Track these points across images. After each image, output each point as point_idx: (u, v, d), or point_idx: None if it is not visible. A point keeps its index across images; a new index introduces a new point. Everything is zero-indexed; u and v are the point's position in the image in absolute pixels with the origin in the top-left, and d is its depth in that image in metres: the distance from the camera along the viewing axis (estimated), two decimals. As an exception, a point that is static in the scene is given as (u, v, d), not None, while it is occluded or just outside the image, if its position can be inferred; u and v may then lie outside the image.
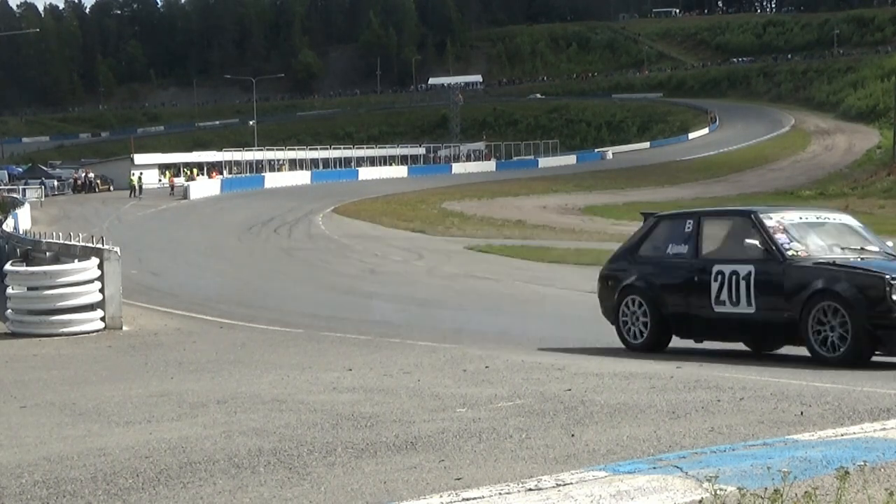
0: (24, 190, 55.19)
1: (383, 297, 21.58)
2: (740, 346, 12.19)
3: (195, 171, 67.52)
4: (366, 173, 79.61)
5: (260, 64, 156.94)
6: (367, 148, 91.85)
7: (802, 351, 10.46)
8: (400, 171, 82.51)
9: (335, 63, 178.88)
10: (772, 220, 10.77)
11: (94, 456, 6.08)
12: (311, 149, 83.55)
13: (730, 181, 76.75)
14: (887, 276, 9.66)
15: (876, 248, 11.04)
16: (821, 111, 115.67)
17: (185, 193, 57.94)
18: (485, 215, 50.28)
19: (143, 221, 44.60)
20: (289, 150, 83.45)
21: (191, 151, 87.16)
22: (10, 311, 14.42)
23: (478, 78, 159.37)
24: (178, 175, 64.29)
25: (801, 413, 6.73)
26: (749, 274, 10.42)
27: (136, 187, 57.72)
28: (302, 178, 73.68)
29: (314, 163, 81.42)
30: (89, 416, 7.73)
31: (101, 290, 14.20)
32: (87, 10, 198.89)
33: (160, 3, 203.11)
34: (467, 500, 4.48)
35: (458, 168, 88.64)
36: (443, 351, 11.23)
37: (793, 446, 5.36)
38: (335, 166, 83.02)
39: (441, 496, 4.61)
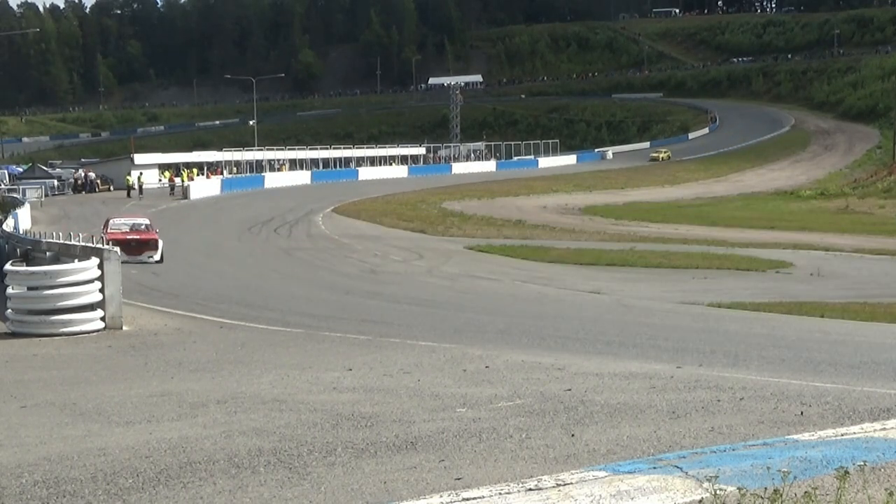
0: (24, 190, 55.10)
1: (383, 297, 21.59)
2: (740, 345, 12.20)
3: (195, 171, 67.38)
4: (366, 173, 79.57)
5: (260, 64, 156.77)
6: (367, 148, 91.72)
7: (806, 350, 10.45)
8: (400, 171, 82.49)
9: (335, 63, 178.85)
10: None
11: (94, 456, 6.08)
12: (311, 149, 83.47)
13: (730, 181, 76.78)
14: None
15: None
16: (821, 111, 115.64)
17: (185, 193, 57.90)
18: (485, 215, 50.28)
19: (143, 221, 44.55)
20: (289, 150, 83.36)
21: (191, 151, 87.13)
22: (10, 311, 14.40)
23: (478, 78, 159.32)
24: (177, 174, 64.15)
25: (801, 413, 6.73)
26: None
27: (137, 187, 57.69)
28: (302, 178, 73.66)
29: (314, 163, 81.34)
30: (89, 416, 7.73)
31: (101, 290, 14.18)
32: (87, 10, 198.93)
33: (160, 3, 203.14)
34: (467, 500, 4.48)
35: (458, 168, 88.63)
36: (443, 351, 11.22)
37: (793, 446, 5.36)
38: (335, 166, 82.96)
39: (441, 496, 4.61)
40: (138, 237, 29.22)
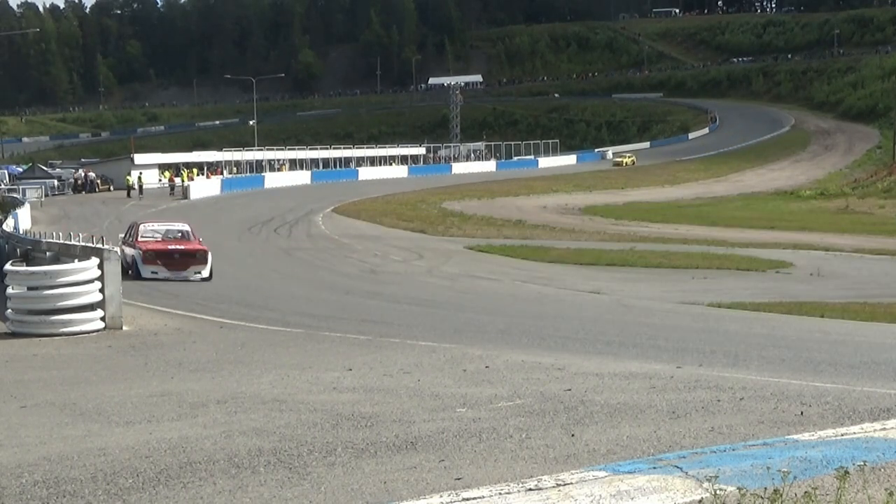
0: (24, 190, 55.14)
1: (383, 297, 21.59)
2: (740, 345, 12.19)
3: (195, 171, 67.41)
4: (366, 173, 79.56)
5: (260, 64, 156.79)
6: (367, 148, 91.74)
7: (806, 350, 10.44)
8: (400, 171, 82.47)
9: (335, 63, 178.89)
10: None
11: (94, 456, 6.08)
12: (311, 149, 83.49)
13: (730, 181, 76.78)
14: None
15: None
16: (821, 111, 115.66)
17: (185, 193, 57.92)
18: (485, 215, 50.28)
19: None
20: (289, 150, 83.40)
21: (191, 151, 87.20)
22: (10, 311, 14.40)
23: (478, 78, 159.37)
24: (177, 174, 64.20)
25: (801, 413, 6.73)
26: None
27: (137, 187, 57.73)
28: (302, 178, 73.66)
29: (314, 163, 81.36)
30: (89, 416, 7.73)
31: (101, 290, 14.19)
32: (87, 10, 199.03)
33: (160, 3, 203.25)
34: (467, 500, 4.48)
35: (458, 168, 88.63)
36: (443, 351, 11.22)
37: (793, 446, 5.36)
38: (335, 166, 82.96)
39: (441, 496, 4.62)
40: (183, 248, 24.06)
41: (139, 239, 24.36)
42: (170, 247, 23.97)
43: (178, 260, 23.57)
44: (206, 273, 23.55)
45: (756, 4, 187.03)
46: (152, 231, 25.22)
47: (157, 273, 23.32)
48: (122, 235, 25.44)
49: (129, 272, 22.96)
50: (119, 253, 24.56)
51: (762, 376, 8.94)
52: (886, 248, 36.70)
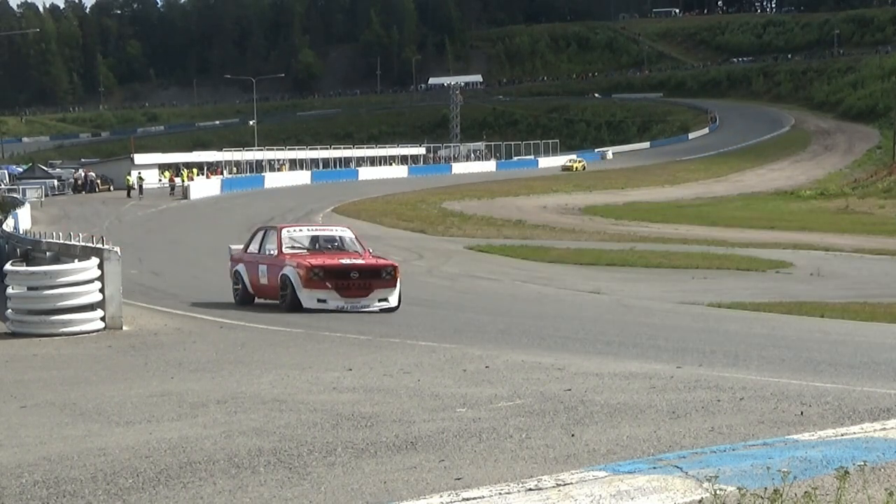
0: (24, 190, 55.22)
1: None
2: (740, 345, 12.19)
3: (195, 171, 67.49)
4: (366, 173, 79.62)
5: (260, 64, 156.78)
6: (367, 148, 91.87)
7: (806, 350, 10.42)
8: (400, 171, 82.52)
9: (335, 63, 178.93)
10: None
11: (94, 456, 6.08)
12: (311, 149, 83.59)
13: (730, 181, 76.80)
14: None
15: None
16: (821, 111, 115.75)
17: (185, 193, 57.97)
18: (485, 215, 50.30)
19: (143, 221, 44.61)
20: (289, 150, 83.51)
21: (191, 151, 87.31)
22: (10, 311, 14.38)
23: (478, 78, 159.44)
24: (177, 174, 64.30)
25: (801, 413, 6.73)
26: None
27: (137, 187, 57.79)
28: (302, 178, 73.70)
29: (314, 163, 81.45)
30: (89, 416, 7.73)
31: (101, 290, 14.17)
32: (87, 10, 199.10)
33: (160, 3, 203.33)
34: (467, 500, 4.48)
35: (458, 168, 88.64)
36: (443, 351, 11.22)
37: (793, 446, 5.36)
38: (335, 166, 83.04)
39: (441, 496, 4.62)
40: (362, 263, 16.90)
41: (284, 250, 17.24)
42: (342, 261, 16.89)
43: (357, 282, 16.62)
44: (394, 301, 16.76)
45: (756, 4, 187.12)
46: (293, 239, 17.77)
47: (325, 302, 16.51)
48: (238, 247, 18.86)
49: (263, 298, 17.71)
50: (239, 271, 17.91)
51: (762, 376, 8.93)
52: (886, 248, 36.71)
